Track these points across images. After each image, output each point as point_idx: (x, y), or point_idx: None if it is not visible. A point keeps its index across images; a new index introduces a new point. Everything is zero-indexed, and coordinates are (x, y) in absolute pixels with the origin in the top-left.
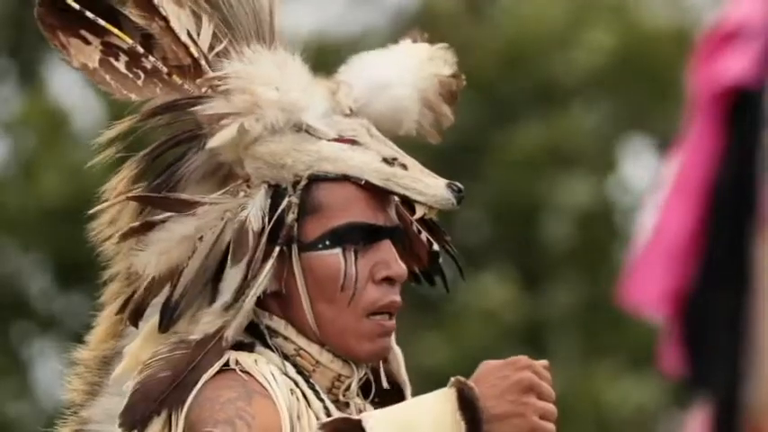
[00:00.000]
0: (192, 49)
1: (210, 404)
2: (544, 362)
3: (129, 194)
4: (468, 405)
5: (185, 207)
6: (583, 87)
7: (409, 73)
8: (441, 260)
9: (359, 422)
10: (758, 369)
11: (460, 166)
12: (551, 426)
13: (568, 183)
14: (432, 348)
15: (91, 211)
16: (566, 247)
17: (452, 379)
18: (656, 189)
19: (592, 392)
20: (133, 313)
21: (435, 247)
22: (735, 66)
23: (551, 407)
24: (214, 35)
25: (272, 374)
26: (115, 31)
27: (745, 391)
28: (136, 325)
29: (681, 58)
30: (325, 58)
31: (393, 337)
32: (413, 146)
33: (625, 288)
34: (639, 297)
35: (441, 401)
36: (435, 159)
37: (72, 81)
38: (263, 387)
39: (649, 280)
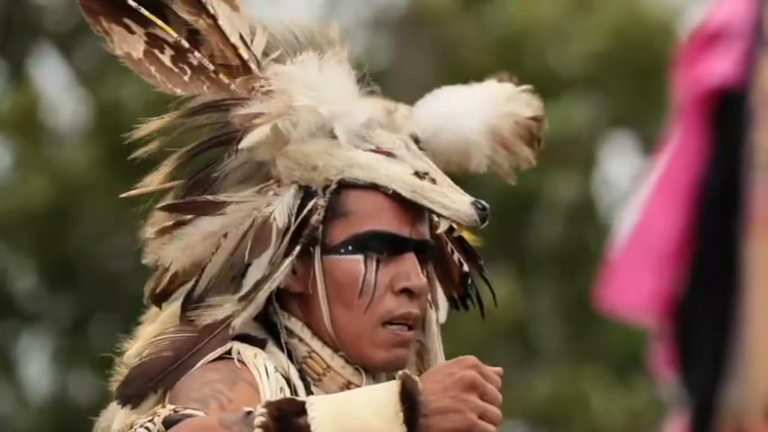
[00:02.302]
0: (242, 51)
1: (191, 383)
2: (497, 369)
3: (157, 205)
4: (408, 397)
5: (213, 209)
6: (574, 82)
7: (481, 108)
8: (470, 282)
9: (303, 403)
10: (745, 371)
11: None
12: (491, 427)
13: (558, 179)
14: None
15: (127, 193)
16: (554, 246)
17: (399, 372)
18: (638, 190)
19: (581, 394)
20: (157, 296)
21: (465, 268)
22: (719, 67)
23: (494, 409)
24: (269, 43)
25: (266, 369)
26: (160, 23)
27: (727, 392)
28: (159, 306)
29: (672, 55)
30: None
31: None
32: None
33: (605, 291)
34: (623, 300)
35: (384, 393)
36: None
37: (59, 80)
38: (254, 378)
39: (634, 283)
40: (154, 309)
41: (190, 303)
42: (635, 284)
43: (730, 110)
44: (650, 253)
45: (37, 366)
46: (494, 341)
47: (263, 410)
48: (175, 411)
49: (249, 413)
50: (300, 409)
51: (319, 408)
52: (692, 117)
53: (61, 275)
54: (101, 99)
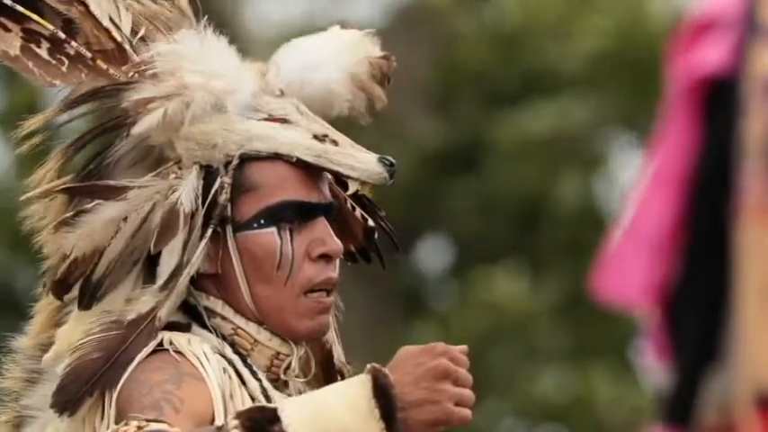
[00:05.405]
0: (115, 34)
1: (138, 388)
2: (462, 347)
3: (56, 187)
4: (382, 392)
5: (114, 193)
6: (575, 80)
7: (339, 55)
8: (376, 236)
9: (275, 410)
10: (735, 359)
11: (457, 160)
12: (467, 411)
13: (562, 177)
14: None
15: (23, 198)
16: (560, 244)
17: (368, 366)
18: (636, 183)
19: (586, 391)
20: (56, 285)
21: (370, 222)
22: (711, 55)
23: (468, 392)
24: (135, 21)
25: (205, 353)
26: (35, 17)
27: (715, 381)
28: (60, 297)
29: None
30: None
31: (332, 319)
32: (408, 143)
33: (602, 282)
34: (618, 292)
35: (356, 388)
36: (433, 154)
37: None
38: (195, 368)
39: (629, 274)
40: (44, 302)
41: (88, 288)
42: (629, 276)
43: (722, 98)
44: (644, 243)
45: None
46: (498, 337)
47: (236, 422)
48: (140, 428)
49: (220, 428)
50: (273, 417)
51: (292, 412)
52: (684, 106)
53: None
54: None
